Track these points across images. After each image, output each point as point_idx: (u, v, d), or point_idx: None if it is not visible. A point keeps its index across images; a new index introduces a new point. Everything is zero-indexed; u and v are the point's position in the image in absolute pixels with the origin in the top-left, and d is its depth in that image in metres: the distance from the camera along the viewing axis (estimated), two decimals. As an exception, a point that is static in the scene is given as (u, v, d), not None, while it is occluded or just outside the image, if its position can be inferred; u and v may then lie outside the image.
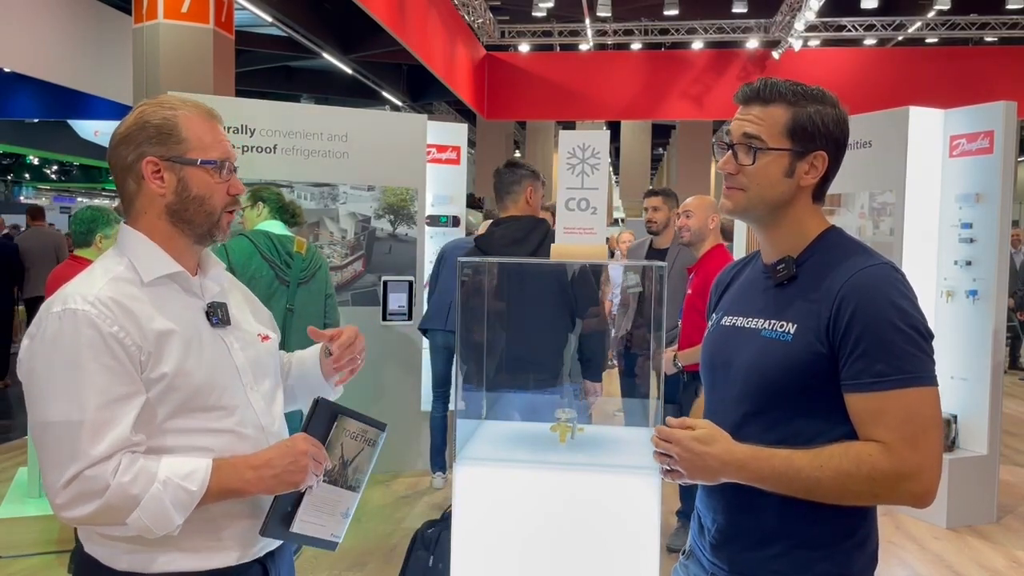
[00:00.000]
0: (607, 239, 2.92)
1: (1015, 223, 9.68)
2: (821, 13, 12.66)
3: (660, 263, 2.05)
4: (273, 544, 1.57)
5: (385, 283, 5.34)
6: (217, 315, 1.52)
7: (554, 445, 1.98)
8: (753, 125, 1.48)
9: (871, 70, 14.42)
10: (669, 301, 2.86)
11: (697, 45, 14.99)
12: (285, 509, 1.51)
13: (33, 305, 8.45)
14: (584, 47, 15.37)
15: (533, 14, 12.97)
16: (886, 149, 4.84)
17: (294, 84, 17.71)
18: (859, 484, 1.35)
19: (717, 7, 13.74)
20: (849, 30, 14.20)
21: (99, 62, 9.69)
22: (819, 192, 1.52)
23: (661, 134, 23.49)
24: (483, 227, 5.69)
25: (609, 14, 12.42)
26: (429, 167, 5.74)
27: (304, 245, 3.84)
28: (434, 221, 6.12)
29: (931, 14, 12.82)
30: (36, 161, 25.22)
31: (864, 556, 1.47)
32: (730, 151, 1.50)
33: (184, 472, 1.37)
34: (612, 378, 4.85)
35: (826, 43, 15.09)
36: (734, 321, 1.58)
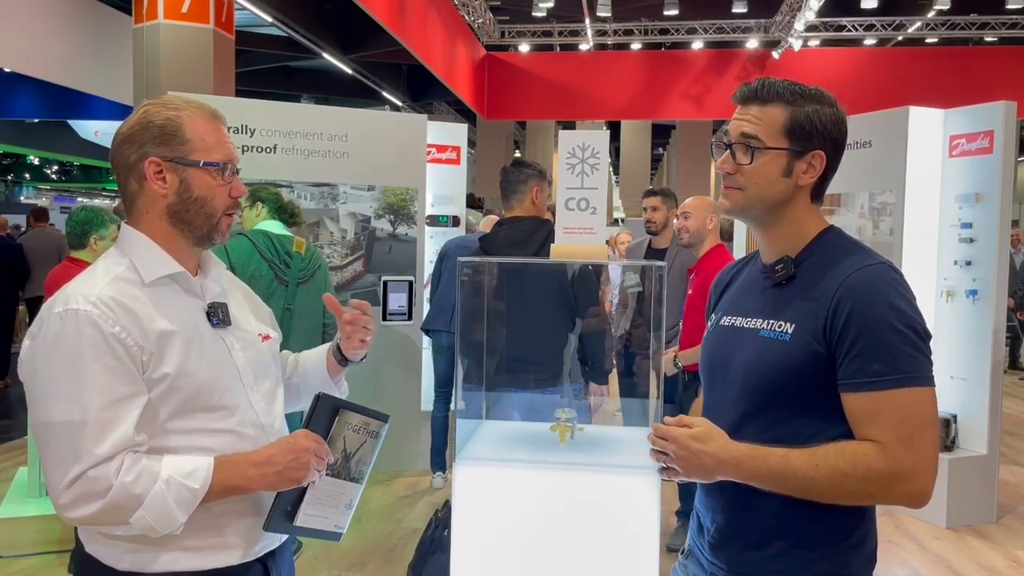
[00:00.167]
0: (606, 239, 2.92)
1: (1015, 223, 9.68)
2: (821, 13, 12.66)
3: (660, 263, 2.06)
4: (274, 543, 1.58)
5: (385, 283, 5.34)
6: (218, 315, 1.52)
7: (554, 445, 1.98)
8: (751, 125, 1.48)
9: (871, 70, 14.42)
10: (667, 301, 2.87)
11: (697, 45, 15.00)
12: (288, 504, 1.51)
13: (35, 305, 8.46)
14: (584, 47, 15.38)
15: (533, 14, 12.97)
16: (886, 149, 4.84)
17: (294, 84, 17.72)
18: (855, 484, 1.35)
19: (717, 7, 13.74)
20: (849, 30, 14.20)
21: (99, 62, 9.70)
22: (817, 192, 1.52)
23: (661, 134, 23.49)
24: (483, 224, 5.70)
25: (609, 14, 12.42)
26: (429, 167, 5.75)
27: (303, 245, 3.84)
28: (434, 221, 6.12)
29: (931, 14, 12.82)
30: (36, 161, 25.23)
31: (862, 556, 1.48)
32: (728, 151, 1.50)
33: (186, 470, 1.37)
34: (611, 378, 4.85)
35: (826, 43, 15.09)
36: (733, 321, 1.58)
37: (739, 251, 5.96)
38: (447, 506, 3.37)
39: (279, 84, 17.33)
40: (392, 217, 5.40)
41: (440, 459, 5.10)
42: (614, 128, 20.07)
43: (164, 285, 1.47)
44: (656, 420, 1.74)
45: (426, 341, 5.49)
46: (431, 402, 5.24)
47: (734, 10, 12.56)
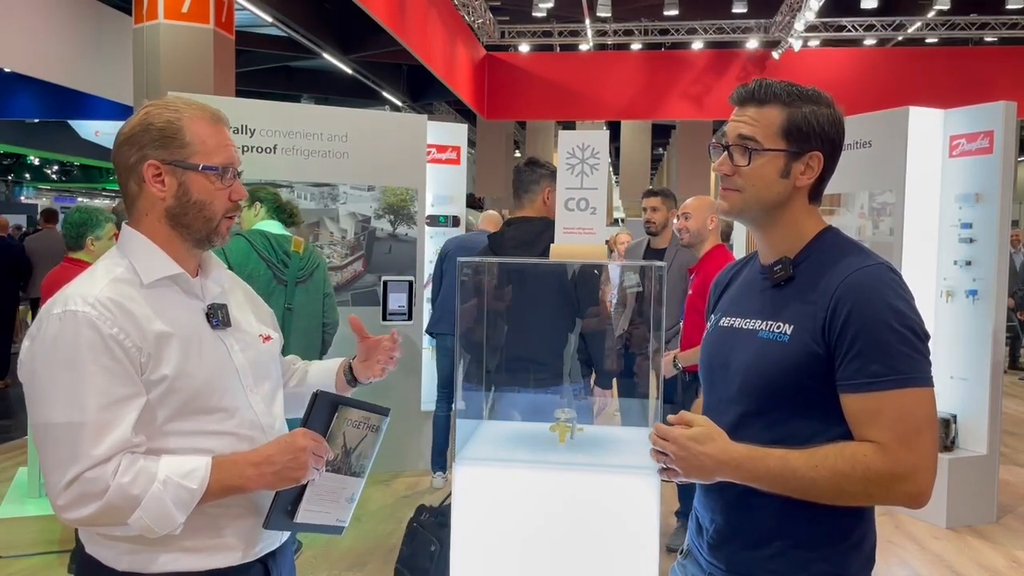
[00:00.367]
0: (606, 240, 2.91)
1: (1015, 223, 9.68)
2: (821, 13, 12.65)
3: (659, 263, 2.06)
4: (275, 544, 1.58)
5: (385, 283, 5.34)
6: (217, 317, 1.52)
7: (553, 445, 1.98)
8: (748, 126, 1.48)
9: (871, 70, 14.42)
10: (667, 301, 2.87)
11: (697, 45, 14.99)
12: (288, 501, 1.51)
13: (38, 305, 8.46)
14: (584, 47, 15.38)
15: (533, 14, 12.97)
16: (886, 149, 4.84)
17: (294, 84, 17.72)
18: (854, 484, 1.36)
19: (717, 7, 13.74)
20: (849, 30, 14.20)
21: (99, 62, 9.70)
22: (815, 192, 1.52)
23: (661, 134, 23.49)
24: (482, 221, 5.69)
25: (609, 14, 12.42)
26: (429, 167, 5.75)
27: (301, 244, 3.84)
28: (434, 221, 6.12)
29: (931, 14, 12.82)
30: (37, 161, 25.23)
31: (861, 556, 1.48)
32: (726, 152, 1.50)
33: (184, 471, 1.37)
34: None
35: (826, 43, 15.08)
36: (732, 322, 1.58)
37: (739, 251, 5.96)
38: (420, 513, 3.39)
39: (279, 84, 17.33)
40: (392, 217, 5.40)
41: (441, 459, 5.10)
42: (614, 128, 20.07)
43: (164, 286, 1.47)
44: (656, 420, 1.74)
45: (427, 341, 5.49)
46: (431, 402, 5.24)
47: (734, 10, 12.56)
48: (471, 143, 19.95)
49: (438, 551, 3.14)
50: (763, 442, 1.42)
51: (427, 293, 5.56)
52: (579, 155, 2.09)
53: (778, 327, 1.46)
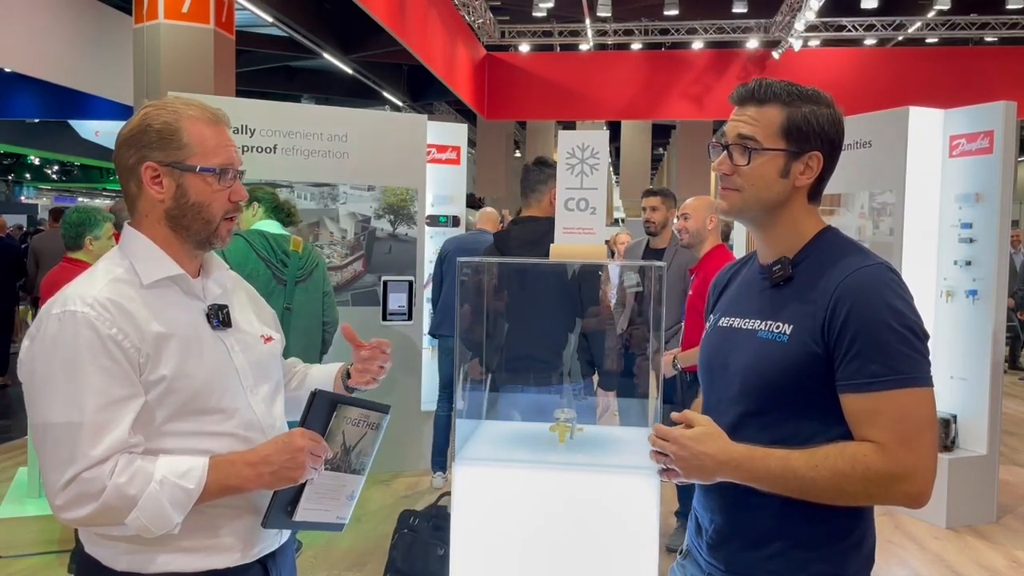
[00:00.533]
0: (606, 240, 2.91)
1: (1015, 223, 9.68)
2: (821, 13, 12.66)
3: (659, 263, 2.06)
4: (274, 544, 1.57)
5: (385, 283, 5.34)
6: (218, 317, 1.52)
7: (553, 445, 1.98)
8: (748, 126, 1.48)
9: (871, 70, 14.42)
10: (666, 301, 2.87)
11: (697, 45, 15.00)
12: (287, 500, 1.50)
13: (39, 305, 8.45)
14: (584, 47, 15.38)
15: (533, 14, 12.98)
16: (886, 149, 4.84)
17: (294, 84, 17.72)
18: (854, 484, 1.35)
19: (717, 7, 13.74)
20: (849, 30, 14.20)
21: (99, 62, 9.70)
22: (815, 192, 1.52)
23: (661, 134, 23.49)
24: (480, 219, 5.68)
25: (609, 14, 12.43)
26: (429, 167, 5.75)
27: (300, 244, 3.84)
28: (434, 221, 6.12)
29: (931, 14, 12.82)
30: (37, 161, 25.25)
31: (860, 556, 1.48)
32: (725, 152, 1.50)
33: (181, 471, 1.37)
34: (612, 378, 4.85)
35: (826, 43, 15.09)
36: (731, 322, 1.58)
37: (739, 251, 5.96)
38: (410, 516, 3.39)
39: (279, 84, 17.34)
40: (392, 217, 5.40)
41: (441, 458, 5.10)
42: (614, 128, 20.08)
43: (164, 287, 1.47)
44: (655, 421, 1.74)
45: (427, 341, 5.49)
46: (431, 402, 5.24)
47: (734, 10, 12.56)
48: (471, 143, 19.96)
49: (447, 554, 3.15)
50: (762, 442, 1.42)
51: (427, 293, 5.56)
52: (579, 155, 2.09)
53: (777, 327, 1.46)
